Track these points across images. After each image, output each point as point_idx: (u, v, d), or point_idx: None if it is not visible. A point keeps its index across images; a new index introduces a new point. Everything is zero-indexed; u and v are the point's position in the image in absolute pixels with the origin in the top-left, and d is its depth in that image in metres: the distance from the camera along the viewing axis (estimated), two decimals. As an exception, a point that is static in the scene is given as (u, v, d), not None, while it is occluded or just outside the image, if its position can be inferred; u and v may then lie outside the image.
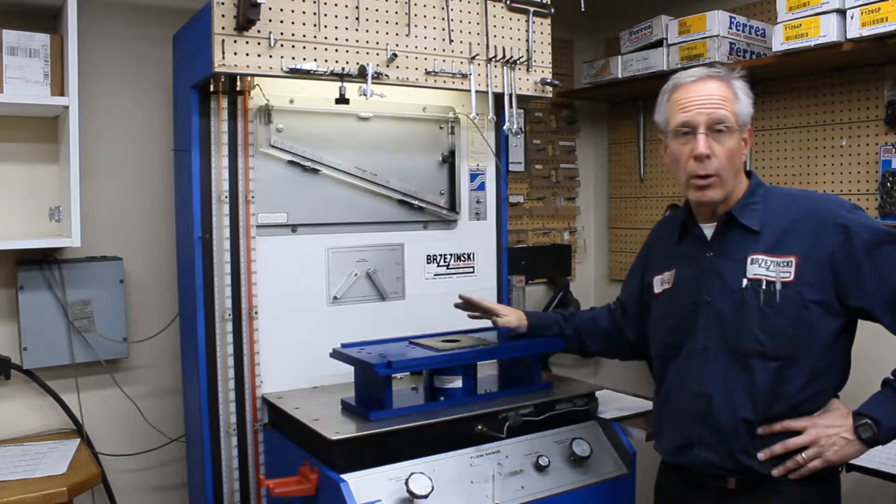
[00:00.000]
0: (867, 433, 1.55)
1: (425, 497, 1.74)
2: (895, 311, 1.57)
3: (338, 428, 1.81)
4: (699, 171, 1.63)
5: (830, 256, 1.57)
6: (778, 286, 1.59)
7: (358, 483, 1.72)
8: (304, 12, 1.99)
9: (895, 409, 1.56)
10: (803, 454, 1.58)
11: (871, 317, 1.60)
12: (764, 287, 1.60)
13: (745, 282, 1.62)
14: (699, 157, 1.61)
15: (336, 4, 2.04)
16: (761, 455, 1.61)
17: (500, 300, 2.57)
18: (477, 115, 2.21)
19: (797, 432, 1.60)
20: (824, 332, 1.59)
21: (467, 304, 2.17)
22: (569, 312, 2.17)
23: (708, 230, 1.72)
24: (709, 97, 1.62)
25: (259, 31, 1.92)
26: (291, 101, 2.19)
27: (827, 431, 1.57)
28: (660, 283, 1.83)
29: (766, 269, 1.61)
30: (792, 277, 1.58)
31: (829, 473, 1.65)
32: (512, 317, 2.11)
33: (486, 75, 2.27)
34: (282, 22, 1.96)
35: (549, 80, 2.38)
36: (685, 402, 1.71)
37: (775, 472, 1.60)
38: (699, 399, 1.67)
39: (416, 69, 2.16)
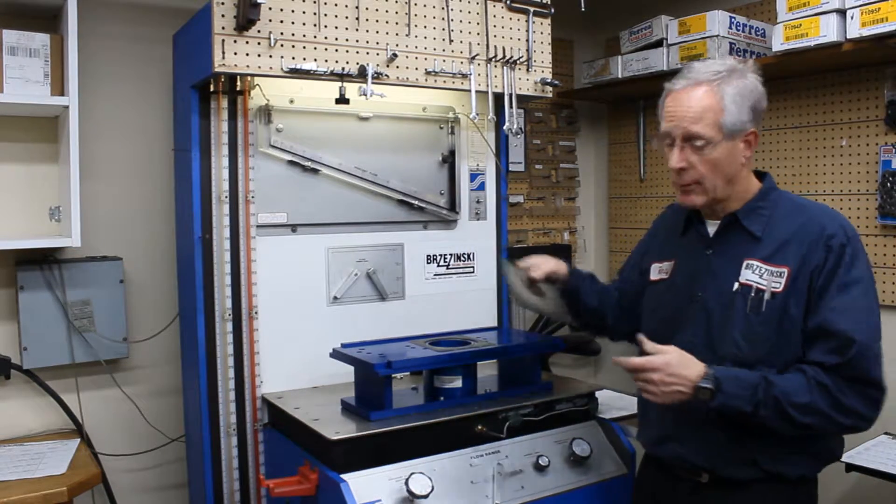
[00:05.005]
0: (704, 395, 1.51)
1: (425, 497, 1.74)
2: (817, 344, 1.54)
3: (338, 428, 1.81)
4: (677, 181, 1.66)
5: (811, 273, 1.56)
6: (766, 296, 1.58)
7: (358, 483, 1.72)
8: (304, 12, 1.99)
9: (742, 389, 1.51)
10: (645, 381, 1.53)
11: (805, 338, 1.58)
12: (753, 294, 1.59)
13: (736, 285, 1.62)
14: (673, 169, 1.64)
15: (336, 4, 2.04)
16: (614, 360, 1.56)
17: (499, 300, 2.57)
18: (477, 115, 2.21)
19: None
20: (797, 344, 1.57)
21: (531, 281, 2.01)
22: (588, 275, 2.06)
23: (711, 227, 1.72)
24: (688, 110, 1.60)
25: (259, 31, 1.92)
26: (291, 101, 2.19)
27: (672, 378, 1.52)
28: (657, 271, 1.82)
29: (758, 276, 1.60)
30: (781, 289, 1.57)
31: (808, 474, 1.63)
32: (552, 262, 2.00)
33: (486, 75, 2.27)
34: (282, 22, 1.96)
35: (549, 80, 2.38)
36: None
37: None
38: None
39: (416, 69, 2.16)
